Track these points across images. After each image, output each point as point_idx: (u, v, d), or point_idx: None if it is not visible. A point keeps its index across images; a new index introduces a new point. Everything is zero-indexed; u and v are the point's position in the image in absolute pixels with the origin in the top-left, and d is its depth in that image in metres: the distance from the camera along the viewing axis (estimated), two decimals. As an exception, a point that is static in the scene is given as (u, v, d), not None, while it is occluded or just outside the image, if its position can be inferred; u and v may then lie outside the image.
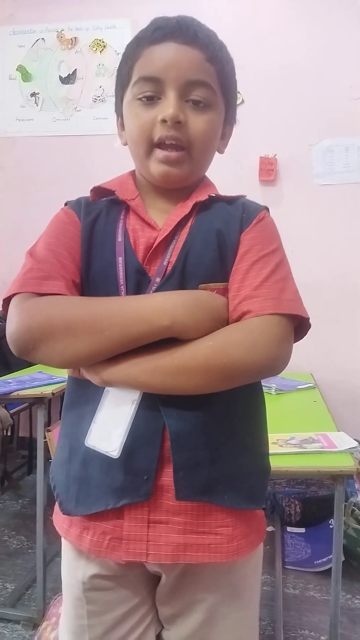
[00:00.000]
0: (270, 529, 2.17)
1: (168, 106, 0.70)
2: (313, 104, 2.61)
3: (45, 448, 1.60)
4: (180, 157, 0.72)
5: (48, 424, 1.71)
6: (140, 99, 0.72)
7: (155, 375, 0.64)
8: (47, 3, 2.89)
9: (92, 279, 0.73)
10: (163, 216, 0.75)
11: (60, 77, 2.91)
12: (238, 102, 3.00)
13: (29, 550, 2.03)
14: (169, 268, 0.71)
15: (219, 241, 0.72)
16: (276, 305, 0.67)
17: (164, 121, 0.70)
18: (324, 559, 1.91)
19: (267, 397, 0.79)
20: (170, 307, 0.64)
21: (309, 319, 0.71)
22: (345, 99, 2.57)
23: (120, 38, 2.81)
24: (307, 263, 2.52)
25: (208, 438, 0.69)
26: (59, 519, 0.77)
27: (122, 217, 0.76)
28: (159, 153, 0.72)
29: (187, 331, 0.64)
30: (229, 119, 0.80)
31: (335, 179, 2.61)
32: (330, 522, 1.96)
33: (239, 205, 0.77)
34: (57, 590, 1.61)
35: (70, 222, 0.76)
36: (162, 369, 0.64)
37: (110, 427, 0.69)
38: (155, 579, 0.77)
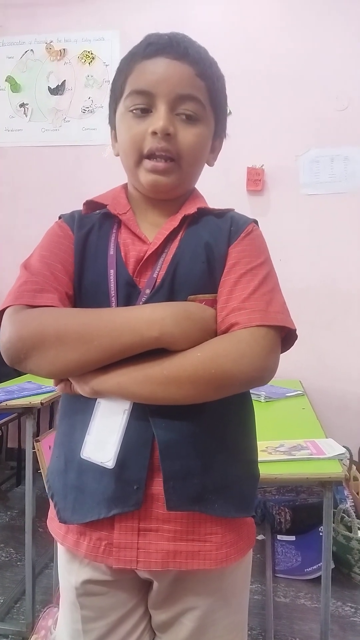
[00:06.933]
0: (260, 537, 2.17)
1: (158, 119, 0.72)
2: (300, 115, 2.65)
3: (34, 459, 1.59)
4: (169, 167, 0.74)
5: (37, 434, 1.70)
6: (132, 111, 0.74)
7: (144, 386, 0.65)
8: (36, 14, 2.92)
9: (84, 290, 0.75)
10: (154, 229, 0.77)
11: (49, 88, 2.93)
12: (225, 113, 2.95)
13: (18, 563, 2.00)
14: (159, 280, 0.73)
15: (207, 254, 0.74)
16: (263, 317, 0.68)
17: (154, 133, 0.72)
18: (314, 567, 1.91)
19: (256, 405, 0.80)
20: (159, 318, 0.65)
21: (295, 330, 0.72)
22: (331, 110, 2.62)
23: (109, 50, 2.84)
24: (294, 271, 2.56)
25: (198, 447, 0.70)
26: (55, 525, 0.78)
27: (114, 230, 0.77)
28: (147, 163, 0.74)
29: (175, 342, 0.65)
30: (219, 133, 0.82)
31: (321, 189, 2.65)
32: (320, 529, 1.97)
33: (228, 219, 0.78)
34: (47, 602, 1.60)
35: (64, 236, 0.78)
36: (152, 379, 0.65)
37: (103, 438, 0.69)
38: (148, 584, 0.78)
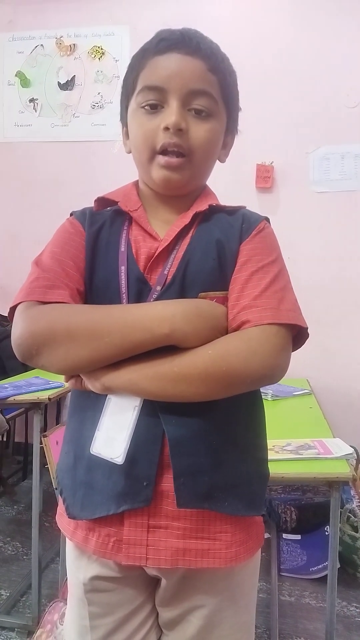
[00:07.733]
0: (266, 535, 2.17)
1: (170, 114, 0.72)
2: (310, 111, 2.63)
3: (41, 454, 1.59)
4: (181, 163, 0.74)
5: (44, 429, 1.72)
6: (144, 107, 0.74)
7: (155, 382, 0.65)
8: (46, 10, 2.92)
9: (95, 287, 0.75)
10: (165, 226, 0.76)
11: (59, 84, 2.93)
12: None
13: (24, 557, 2.01)
14: (170, 277, 0.72)
15: (218, 251, 0.74)
16: (275, 315, 0.68)
17: (166, 129, 0.72)
18: (320, 566, 1.91)
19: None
20: (169, 315, 0.65)
21: (307, 328, 0.72)
22: (341, 107, 2.60)
23: (119, 45, 2.83)
24: (303, 269, 2.54)
25: (208, 444, 0.70)
26: (64, 521, 0.78)
27: (125, 227, 0.78)
28: (161, 159, 0.74)
29: (186, 339, 0.65)
30: (231, 129, 0.81)
31: (331, 186, 2.63)
32: (325, 528, 1.96)
33: (239, 216, 0.78)
34: (53, 596, 1.60)
35: (76, 232, 0.78)
36: (162, 376, 0.65)
37: (113, 434, 0.69)
38: (156, 581, 0.78)
